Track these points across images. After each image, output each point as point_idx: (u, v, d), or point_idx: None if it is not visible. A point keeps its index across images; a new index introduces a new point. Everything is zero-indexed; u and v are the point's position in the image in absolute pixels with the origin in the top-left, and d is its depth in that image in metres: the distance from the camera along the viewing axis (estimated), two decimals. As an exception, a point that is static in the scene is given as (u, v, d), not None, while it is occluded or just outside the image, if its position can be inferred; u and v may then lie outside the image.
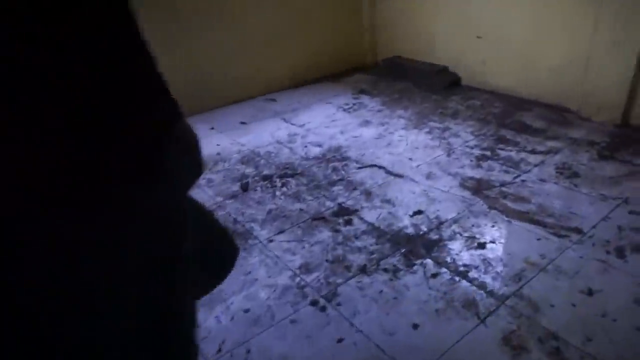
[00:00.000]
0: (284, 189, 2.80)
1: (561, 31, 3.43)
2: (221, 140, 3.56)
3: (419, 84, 4.39)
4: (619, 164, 2.74)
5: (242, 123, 3.88)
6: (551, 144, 3.04)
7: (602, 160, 2.79)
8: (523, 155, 2.92)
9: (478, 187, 2.60)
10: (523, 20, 3.65)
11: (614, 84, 3.16)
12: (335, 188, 2.74)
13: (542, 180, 2.62)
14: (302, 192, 2.74)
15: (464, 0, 4.01)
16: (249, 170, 3.07)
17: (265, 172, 3.02)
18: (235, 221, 2.51)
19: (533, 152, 2.95)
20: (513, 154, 2.95)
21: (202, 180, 2.97)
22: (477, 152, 3.01)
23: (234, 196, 2.77)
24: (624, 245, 2.07)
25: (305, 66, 4.71)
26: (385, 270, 2.04)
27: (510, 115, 3.56)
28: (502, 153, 2.97)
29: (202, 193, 2.82)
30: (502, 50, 3.88)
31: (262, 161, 3.17)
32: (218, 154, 3.35)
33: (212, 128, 3.82)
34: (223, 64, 4.15)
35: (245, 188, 2.85)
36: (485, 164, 2.85)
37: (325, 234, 2.32)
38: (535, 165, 2.78)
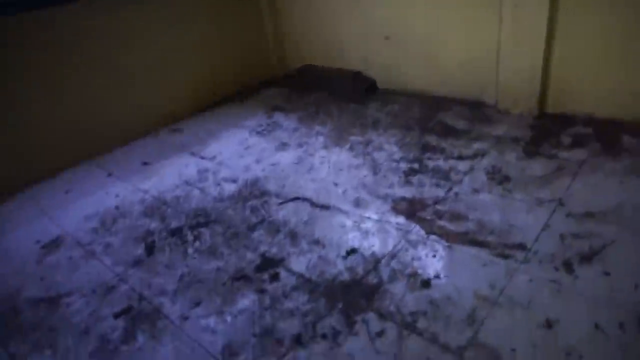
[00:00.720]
0: (197, 243, 2.40)
1: (466, 25, 3.32)
2: (120, 189, 3.07)
3: (335, 92, 4.15)
4: (546, 159, 2.64)
5: (145, 164, 3.40)
6: (477, 145, 2.90)
7: (529, 157, 2.69)
8: (451, 162, 2.75)
9: (411, 209, 2.38)
10: (425, 17, 3.51)
11: (526, 74, 3.10)
12: (255, 234, 2.40)
13: (476, 191, 2.45)
14: (218, 244, 2.37)
15: (367, 1, 3.81)
16: (155, 224, 2.63)
17: (174, 224, 2.60)
18: (140, 298, 2.08)
19: (460, 157, 2.79)
20: (441, 162, 2.77)
21: (98, 247, 2.50)
22: (404, 165, 2.80)
23: (137, 262, 2.33)
24: (570, 258, 1.92)
25: (209, 87, 4.29)
26: (324, 336, 1.73)
27: (431, 117, 3.40)
28: (430, 163, 2.78)
29: (99, 264, 2.36)
30: (411, 49, 3.73)
31: (170, 210, 2.75)
32: (117, 207, 2.87)
33: (110, 174, 3.31)
34: (111, 97, 3.63)
35: (150, 250, 2.42)
36: (414, 179, 2.64)
37: (249, 298, 1.97)
38: (466, 174, 2.62)
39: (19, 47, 3.08)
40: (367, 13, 3.86)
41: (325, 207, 2.52)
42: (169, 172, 3.21)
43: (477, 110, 3.39)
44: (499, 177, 2.53)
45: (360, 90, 4.03)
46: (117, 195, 3.01)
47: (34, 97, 3.21)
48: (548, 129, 2.97)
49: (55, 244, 2.60)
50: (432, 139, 3.07)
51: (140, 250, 2.42)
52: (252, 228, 2.44)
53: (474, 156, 2.78)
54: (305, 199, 2.62)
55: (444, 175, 2.63)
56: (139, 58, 3.72)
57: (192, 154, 3.43)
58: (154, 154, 3.51)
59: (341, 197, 2.58)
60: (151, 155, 3.51)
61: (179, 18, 3.91)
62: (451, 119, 3.32)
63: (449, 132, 3.14)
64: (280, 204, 2.62)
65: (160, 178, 3.14)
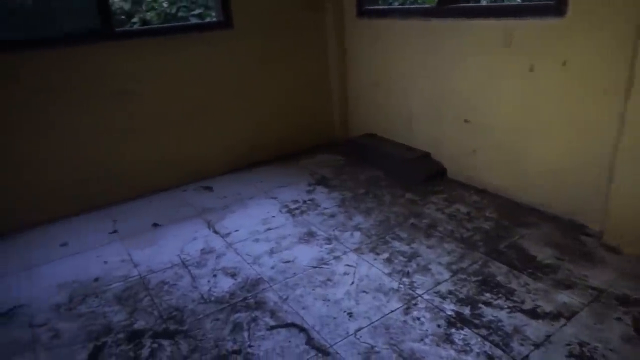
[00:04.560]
0: (149, 365, 1.83)
1: (569, 120, 2.51)
2: (113, 255, 2.64)
3: (393, 173, 3.48)
4: (672, 350, 1.72)
5: (155, 225, 2.98)
6: (562, 297, 2.04)
7: (642, 339, 1.78)
8: (519, 319, 1.92)
9: (441, 394, 1.60)
10: (516, 103, 2.75)
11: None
12: (221, 372, 1.77)
13: (547, 385, 1.61)
14: (171, 375, 1.77)
15: (447, 74, 3.15)
16: (120, 317, 2.12)
17: (139, 323, 2.07)
18: None
19: (534, 313, 1.95)
20: (504, 315, 1.96)
21: (46, 334, 2.03)
22: (450, 307, 2.02)
23: (71, 374, 1.81)
24: None
25: (259, 142, 3.85)
26: None
27: (506, 234, 2.59)
28: (488, 312, 1.97)
29: (30, 364, 1.87)
30: (494, 139, 2.97)
31: (146, 300, 2.23)
32: (96, 279, 2.42)
33: (115, 231, 2.93)
34: (141, 141, 3.31)
35: (93, 358, 1.89)
36: (458, 336, 1.85)
37: None
38: (537, 347, 1.78)
39: (36, 86, 2.87)
40: (444, 86, 3.19)
41: (324, 351, 1.83)
42: (173, 243, 2.73)
43: (572, 236, 2.51)
44: (589, 367, 1.67)
45: (425, 176, 3.32)
46: (105, 262, 2.58)
47: (51, 135, 2.96)
48: (678, 293, 2.03)
49: (10, 315, 2.19)
50: (500, 271, 2.26)
51: (84, 355, 1.90)
52: (221, 360, 1.82)
53: (556, 316, 1.93)
54: (303, 330, 1.95)
55: (502, 340, 1.81)
56: (178, 104, 3.39)
57: (208, 223, 2.94)
58: (170, 214, 3.09)
59: (351, 340, 1.87)
60: (166, 215, 3.09)
61: (234, 65, 3.55)
62: (533, 243, 2.48)
63: (526, 263, 2.31)
64: (271, 328, 1.97)
65: (158, 249, 2.67)
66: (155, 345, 1.93)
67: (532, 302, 2.02)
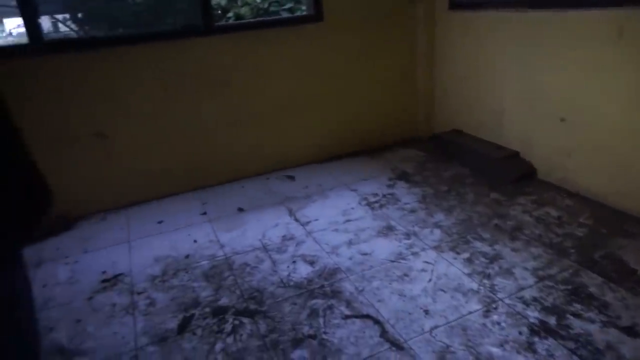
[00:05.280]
0: (231, 338, 1.96)
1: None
2: (202, 235, 2.84)
3: (479, 171, 3.35)
4: None
5: (240, 210, 3.15)
6: (667, 316, 1.85)
7: None
8: (612, 334, 1.78)
9: (519, 403, 1.54)
10: (624, 103, 2.51)
11: None
12: (296, 354, 1.84)
13: (643, 409, 1.48)
14: (251, 350, 1.88)
15: (542, 69, 2.95)
16: (207, 292, 2.29)
17: (224, 300, 2.21)
18: (135, 395, 1.72)
19: (632, 332, 1.79)
20: (595, 328, 1.82)
21: (143, 301, 2.26)
22: (533, 315, 1.92)
23: (164, 339, 1.99)
24: None
25: (342, 136, 3.90)
26: None
27: (602, 243, 2.39)
28: (576, 324, 1.85)
29: (130, 325, 2.09)
30: (593, 141, 2.74)
31: (230, 279, 2.38)
32: (187, 257, 2.63)
33: (204, 213, 3.14)
34: (232, 132, 3.50)
35: (183, 327, 2.07)
36: (542, 346, 1.76)
37: None
38: (633, 366, 1.64)
39: (137, 74, 3.13)
40: (540, 82, 3.00)
41: (398, 345, 1.83)
42: (256, 227, 2.87)
43: (683, 251, 2.26)
44: (695, 396, 1.50)
45: (512, 176, 3.16)
46: (195, 241, 2.78)
47: (156, 124, 3.24)
48: None
49: (114, 281, 2.46)
50: (593, 281, 2.10)
51: (174, 323, 2.08)
52: (297, 343, 1.90)
53: (657, 336, 1.76)
54: (377, 322, 1.96)
55: (592, 356, 1.69)
56: (269, 96, 3.53)
57: (290, 211, 3.05)
58: (254, 201, 3.24)
59: (426, 338, 1.86)
60: (251, 200, 3.25)
61: (323, 58, 3.62)
62: (634, 255, 2.26)
63: (624, 276, 2.12)
64: (346, 318, 2.02)
65: (242, 233, 2.82)
66: (237, 322, 2.06)
67: (631, 319, 1.85)
